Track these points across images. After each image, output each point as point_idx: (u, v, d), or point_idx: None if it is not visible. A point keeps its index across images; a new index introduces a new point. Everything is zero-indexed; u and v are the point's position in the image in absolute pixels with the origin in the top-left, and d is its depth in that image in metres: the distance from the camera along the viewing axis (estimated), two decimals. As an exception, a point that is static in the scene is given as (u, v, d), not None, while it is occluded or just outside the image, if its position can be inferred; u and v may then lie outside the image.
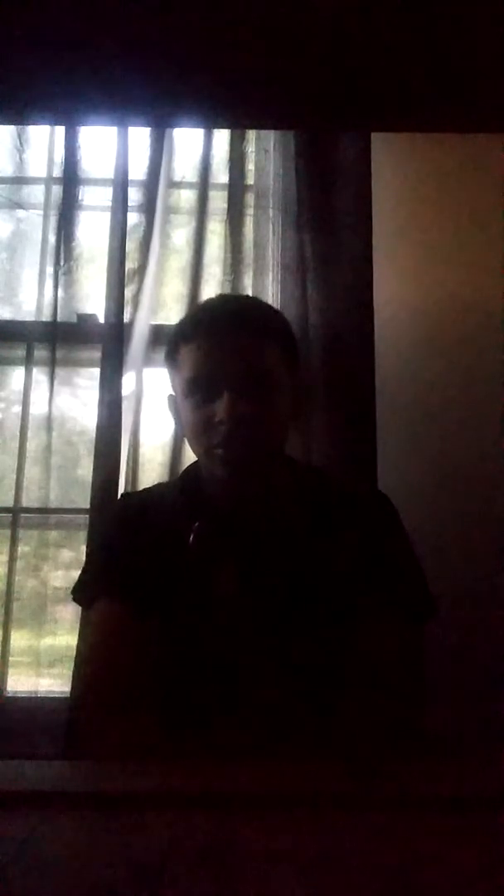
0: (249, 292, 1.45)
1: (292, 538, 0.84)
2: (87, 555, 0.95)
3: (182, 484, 0.93)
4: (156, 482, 1.43)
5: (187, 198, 1.55)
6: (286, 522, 0.85)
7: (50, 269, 1.50)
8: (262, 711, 0.73)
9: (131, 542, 0.87)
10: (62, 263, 1.49)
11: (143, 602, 0.81)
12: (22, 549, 1.44)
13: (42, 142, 1.60)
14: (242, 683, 0.77)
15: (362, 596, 0.79)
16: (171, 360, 0.89)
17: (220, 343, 0.82)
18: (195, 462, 0.93)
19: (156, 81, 0.82)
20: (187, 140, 1.55)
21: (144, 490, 1.04)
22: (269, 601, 0.80)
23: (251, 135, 1.56)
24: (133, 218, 1.48)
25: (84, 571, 0.92)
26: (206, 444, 0.84)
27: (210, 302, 0.99)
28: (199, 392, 0.83)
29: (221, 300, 1.03)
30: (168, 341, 0.90)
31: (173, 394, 0.92)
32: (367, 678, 0.74)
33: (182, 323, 0.90)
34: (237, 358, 0.82)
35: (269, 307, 0.93)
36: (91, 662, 0.87)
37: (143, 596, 0.82)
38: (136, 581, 0.82)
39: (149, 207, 1.49)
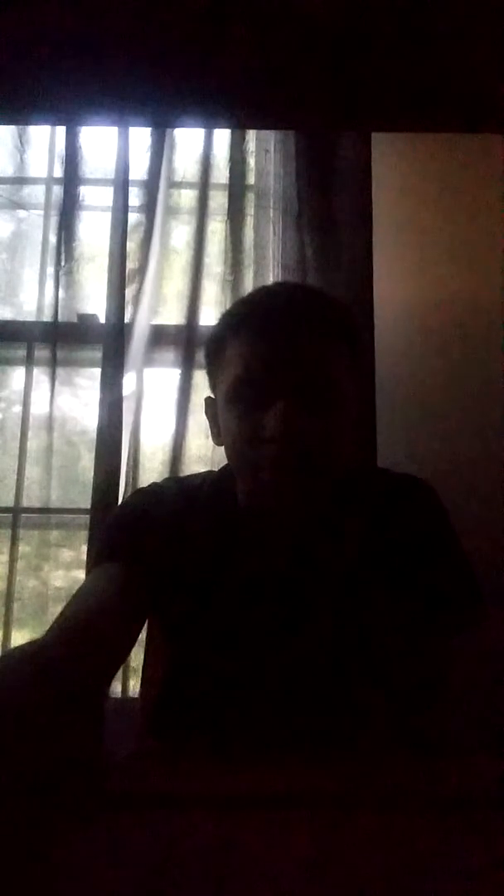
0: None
1: (339, 583, 0.71)
2: (102, 533, 0.79)
3: (215, 493, 0.77)
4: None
5: (188, 198, 1.55)
6: (334, 567, 0.71)
7: (51, 269, 1.50)
8: (292, 715, 0.67)
9: (154, 525, 0.74)
10: (63, 263, 1.49)
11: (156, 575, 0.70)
12: (23, 549, 1.45)
13: (42, 142, 1.60)
14: (266, 695, 0.69)
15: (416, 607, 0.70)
16: (213, 356, 0.74)
17: (278, 339, 0.66)
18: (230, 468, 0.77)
19: (156, 81, 0.82)
20: (187, 140, 1.56)
21: (171, 481, 0.87)
22: (307, 637, 0.70)
23: (251, 135, 1.56)
24: (134, 218, 1.49)
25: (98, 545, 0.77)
26: (248, 465, 0.68)
27: (264, 289, 0.79)
28: (246, 398, 0.67)
29: (278, 288, 0.84)
30: (210, 334, 0.75)
31: (213, 396, 0.77)
32: (408, 683, 0.68)
33: (229, 313, 0.74)
34: (299, 358, 0.66)
35: (335, 298, 0.75)
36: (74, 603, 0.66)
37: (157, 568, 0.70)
38: (153, 552, 0.71)
39: (149, 207, 1.49)
